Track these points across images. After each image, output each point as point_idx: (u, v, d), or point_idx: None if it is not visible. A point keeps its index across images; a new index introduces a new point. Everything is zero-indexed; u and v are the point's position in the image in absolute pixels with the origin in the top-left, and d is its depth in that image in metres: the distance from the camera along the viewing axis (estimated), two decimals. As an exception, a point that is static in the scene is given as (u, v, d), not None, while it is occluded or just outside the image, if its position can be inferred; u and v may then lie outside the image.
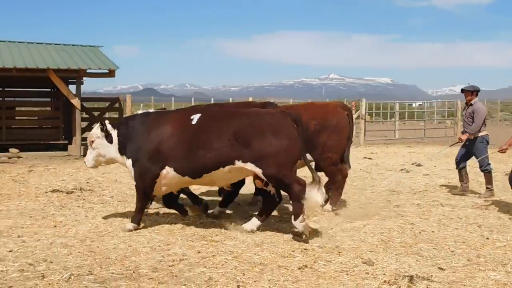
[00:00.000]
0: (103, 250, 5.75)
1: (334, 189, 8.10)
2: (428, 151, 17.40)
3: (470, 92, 9.50)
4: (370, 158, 15.03)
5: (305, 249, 5.84)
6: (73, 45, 19.50)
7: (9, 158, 14.77)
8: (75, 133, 17.13)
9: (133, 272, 5.02)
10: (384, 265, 5.30)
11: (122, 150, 6.81)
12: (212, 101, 31.50)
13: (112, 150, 6.89)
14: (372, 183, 10.82)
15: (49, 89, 18.98)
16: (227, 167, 6.26)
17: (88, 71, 17.03)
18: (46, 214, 7.57)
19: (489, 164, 9.29)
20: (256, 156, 6.09)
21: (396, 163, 14.21)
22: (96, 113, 19.85)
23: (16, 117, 18.69)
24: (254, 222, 6.59)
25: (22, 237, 6.25)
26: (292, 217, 6.19)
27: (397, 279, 4.81)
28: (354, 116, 22.87)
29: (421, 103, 44.86)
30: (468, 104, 9.58)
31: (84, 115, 18.28)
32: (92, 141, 7.00)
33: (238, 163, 6.18)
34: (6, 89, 18.36)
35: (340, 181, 8.08)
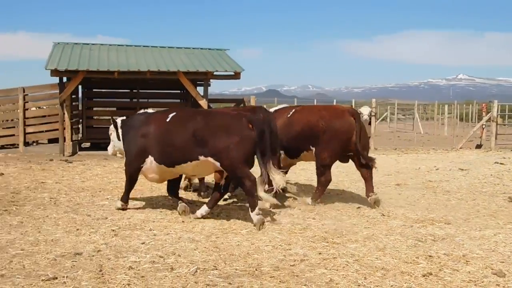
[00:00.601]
0: (227, 246, 5.94)
1: (318, 187, 8.56)
2: None
3: None
4: (502, 163, 14.13)
5: (430, 256, 5.63)
6: (201, 48, 20.36)
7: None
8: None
9: (256, 269, 5.14)
10: (517, 277, 4.98)
11: (123, 143, 8.05)
12: (335, 103, 31.30)
13: (119, 142, 8.20)
14: (503, 190, 10.17)
15: (179, 91, 19.94)
16: (194, 162, 7.18)
17: (215, 73, 17.69)
18: (175, 209, 7.95)
19: None
20: (213, 151, 6.99)
21: (532, 169, 13.24)
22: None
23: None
24: (204, 209, 7.41)
25: (153, 230, 6.62)
26: (249, 209, 6.95)
27: (531, 294, 4.51)
28: (485, 118, 21.69)
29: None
30: None
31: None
32: (110, 134, 8.42)
33: (202, 158, 7.10)
34: (140, 91, 19.57)
35: (323, 182, 8.48)
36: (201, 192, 9.40)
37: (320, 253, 5.70)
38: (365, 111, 19.28)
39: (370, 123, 19.43)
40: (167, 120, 7.47)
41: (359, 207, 8.20)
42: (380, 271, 5.13)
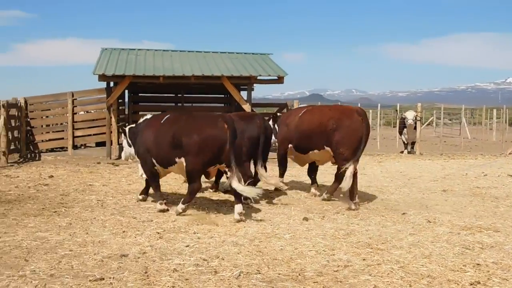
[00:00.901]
0: (270, 251, 5.95)
1: (334, 181, 9.23)
2: None
3: None
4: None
5: (478, 264, 5.50)
6: (245, 53, 20.46)
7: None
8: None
9: (299, 274, 5.13)
10: None
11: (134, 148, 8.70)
12: (379, 108, 30.93)
13: (129, 148, 8.93)
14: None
15: (223, 95, 20.08)
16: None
17: (259, 77, 17.74)
18: (219, 213, 8.02)
19: None
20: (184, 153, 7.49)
21: None
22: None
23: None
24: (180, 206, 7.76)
25: (197, 233, 6.69)
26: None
27: None
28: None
29: None
30: None
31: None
32: (121, 142, 9.02)
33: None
34: (185, 95, 19.80)
35: (340, 176, 8.72)
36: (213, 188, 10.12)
37: (364, 259, 5.64)
38: (410, 115, 19.01)
39: (415, 128, 19.13)
40: (158, 125, 8.04)
41: (404, 213, 8.08)
42: (425, 278, 5.04)
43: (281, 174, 10.01)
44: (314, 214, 7.97)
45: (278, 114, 11.68)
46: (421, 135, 20.12)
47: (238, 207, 7.45)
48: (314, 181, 10.07)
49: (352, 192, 8.56)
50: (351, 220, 7.58)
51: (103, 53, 18.99)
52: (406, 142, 19.53)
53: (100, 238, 6.37)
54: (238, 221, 7.33)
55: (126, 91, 18.95)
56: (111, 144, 16.84)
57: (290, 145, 9.63)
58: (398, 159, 16.92)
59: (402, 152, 19.42)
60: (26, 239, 6.28)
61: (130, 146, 8.93)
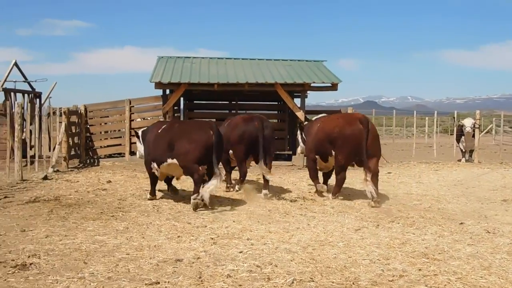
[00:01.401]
0: (324, 258, 5.91)
1: (336, 185, 10.03)
2: None
3: None
4: None
5: (541, 277, 5.30)
6: (298, 60, 20.47)
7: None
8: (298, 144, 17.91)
9: (353, 283, 5.07)
10: None
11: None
12: (435, 115, 30.29)
13: (142, 148, 10.19)
14: None
15: (276, 102, 20.12)
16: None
17: (312, 84, 17.69)
18: (272, 219, 8.04)
19: None
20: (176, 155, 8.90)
21: None
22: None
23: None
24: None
25: (250, 240, 6.72)
26: (192, 192, 8.83)
27: None
28: None
29: None
30: None
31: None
32: (136, 143, 10.63)
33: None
34: (239, 102, 19.95)
35: (341, 180, 9.91)
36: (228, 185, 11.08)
37: (420, 269, 5.52)
38: (468, 123, 18.50)
39: (473, 136, 18.61)
40: (160, 131, 9.38)
41: (461, 223, 7.87)
42: (485, 291, 4.89)
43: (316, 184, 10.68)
44: (368, 222, 7.88)
45: (305, 122, 12.16)
46: (480, 143, 19.54)
47: (193, 196, 8.72)
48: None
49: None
50: (406, 229, 7.44)
51: (160, 61, 19.40)
52: (464, 150, 19.02)
53: (155, 243, 6.50)
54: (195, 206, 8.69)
55: (182, 99, 19.25)
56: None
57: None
58: (456, 168, 16.50)
59: (459, 160, 18.92)
60: (85, 242, 6.48)
61: (141, 144, 10.27)
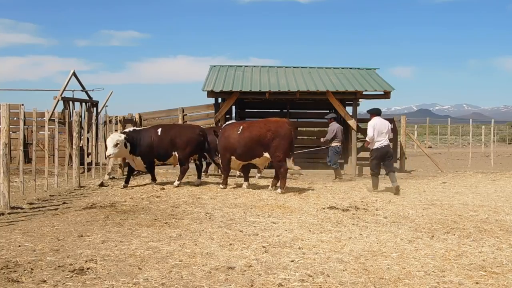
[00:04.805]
0: (377, 269, 5.82)
1: (280, 178, 12.11)
2: None
3: None
4: None
5: None
6: (350, 68, 20.34)
7: (292, 174, 15.96)
8: (351, 153, 17.76)
9: (407, 295, 4.98)
10: None
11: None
12: (492, 123, 29.39)
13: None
14: None
15: (328, 111, 20.03)
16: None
17: (364, 93, 17.54)
18: (324, 229, 7.98)
19: None
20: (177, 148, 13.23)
21: None
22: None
23: (298, 137, 20.08)
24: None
25: (302, 249, 6.70)
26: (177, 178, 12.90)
27: None
28: None
29: None
30: None
31: (360, 136, 18.80)
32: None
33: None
34: (291, 110, 19.97)
35: (283, 173, 12.05)
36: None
37: (477, 283, 5.36)
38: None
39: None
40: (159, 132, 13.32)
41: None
42: (546, 306, 4.71)
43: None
44: (422, 233, 7.72)
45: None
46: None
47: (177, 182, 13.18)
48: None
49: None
50: (463, 241, 7.25)
51: (212, 70, 19.66)
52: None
53: (208, 250, 6.56)
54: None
55: (233, 107, 19.44)
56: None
57: None
58: (514, 178, 15.97)
59: (518, 170, 18.32)
60: (140, 248, 6.61)
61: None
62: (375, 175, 12.48)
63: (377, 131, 12.28)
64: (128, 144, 12.81)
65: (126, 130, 13.92)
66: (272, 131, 12.04)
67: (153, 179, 13.68)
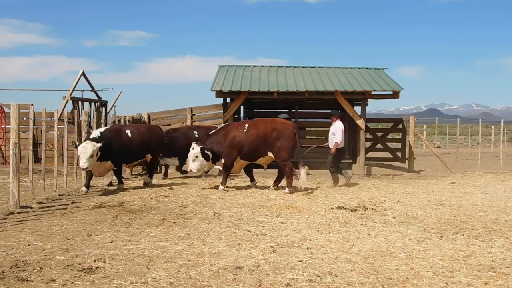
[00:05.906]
0: (385, 269, 5.81)
1: (286, 177, 12.21)
2: None
3: None
4: None
5: None
6: (359, 68, 20.29)
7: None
8: (359, 153, 17.73)
9: (415, 295, 4.97)
10: None
11: None
12: (502, 123, 29.19)
13: None
14: None
15: (336, 110, 19.97)
16: None
17: (373, 92, 17.50)
18: (332, 229, 7.97)
19: None
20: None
21: None
22: (379, 134, 20.20)
23: (306, 137, 20.06)
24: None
25: (310, 249, 6.69)
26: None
27: None
28: None
29: None
30: None
31: (368, 136, 18.74)
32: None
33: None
34: (299, 110, 19.95)
35: (289, 172, 12.15)
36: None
37: (486, 283, 5.34)
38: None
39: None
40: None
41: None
42: (556, 307, 4.68)
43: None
44: (431, 233, 7.69)
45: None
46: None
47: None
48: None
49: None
50: (472, 241, 7.21)
51: (220, 70, 19.67)
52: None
53: (216, 250, 6.57)
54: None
55: (242, 107, 19.45)
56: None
57: None
58: (524, 178, 15.87)
59: (528, 170, 18.21)
60: (148, 248, 6.63)
61: None
62: (335, 172, 13.61)
63: (342, 133, 13.57)
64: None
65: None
66: (277, 131, 12.17)
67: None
